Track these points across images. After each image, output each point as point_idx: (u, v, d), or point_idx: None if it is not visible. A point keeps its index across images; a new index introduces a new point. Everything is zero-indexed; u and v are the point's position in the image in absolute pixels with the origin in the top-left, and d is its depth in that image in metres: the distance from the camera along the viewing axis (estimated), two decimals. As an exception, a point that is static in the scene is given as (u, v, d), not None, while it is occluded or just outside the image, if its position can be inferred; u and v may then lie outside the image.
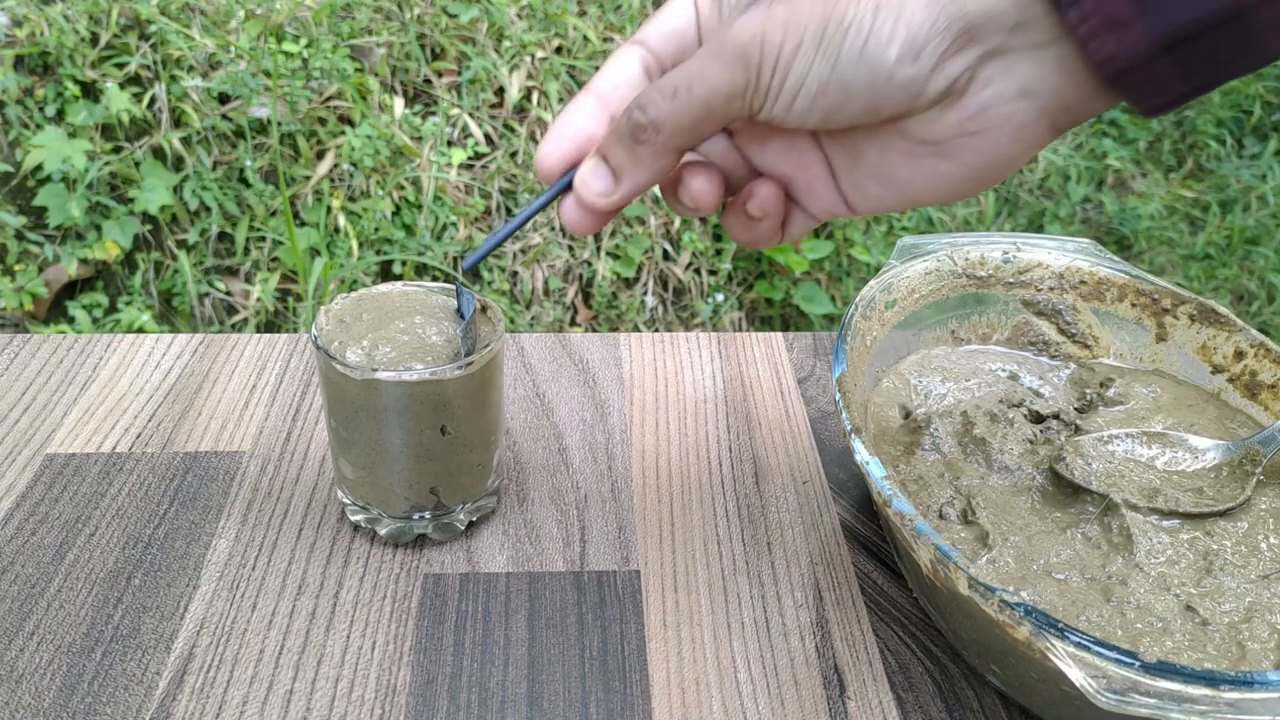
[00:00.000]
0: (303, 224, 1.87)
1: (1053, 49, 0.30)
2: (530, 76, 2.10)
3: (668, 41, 0.36)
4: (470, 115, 2.03)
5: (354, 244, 1.85)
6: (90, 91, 1.83)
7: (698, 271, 2.06)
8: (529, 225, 1.97)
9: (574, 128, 0.36)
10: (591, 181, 0.35)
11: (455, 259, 1.91)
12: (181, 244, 1.83)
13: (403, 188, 1.92)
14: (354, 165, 1.89)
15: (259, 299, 1.79)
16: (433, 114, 2.02)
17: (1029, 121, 0.32)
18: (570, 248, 2.00)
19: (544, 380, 0.60)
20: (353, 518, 0.48)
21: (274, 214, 1.86)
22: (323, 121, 1.94)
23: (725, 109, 0.32)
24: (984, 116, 0.32)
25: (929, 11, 0.30)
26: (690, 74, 0.32)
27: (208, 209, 1.83)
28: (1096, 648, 0.33)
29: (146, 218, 1.82)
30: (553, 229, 2.00)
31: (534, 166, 0.37)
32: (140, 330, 1.71)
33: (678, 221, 2.06)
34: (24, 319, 1.73)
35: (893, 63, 0.30)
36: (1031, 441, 0.49)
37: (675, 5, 0.36)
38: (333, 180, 1.90)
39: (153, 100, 1.85)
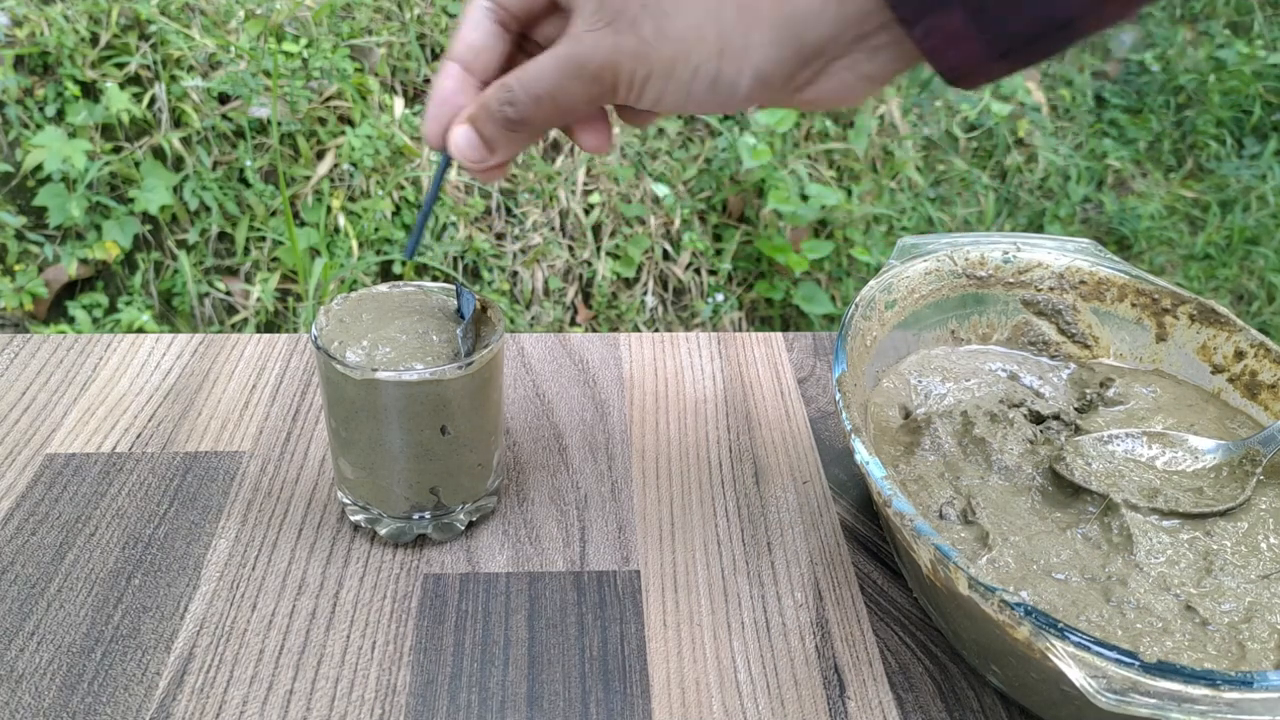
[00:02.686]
0: (303, 224, 1.87)
1: (893, 49, 0.33)
2: (530, 76, 2.09)
3: None
4: (470, 115, 2.03)
5: (354, 244, 1.85)
6: (90, 91, 1.83)
7: (698, 271, 2.06)
8: (528, 224, 1.98)
9: (447, 103, 0.40)
10: (469, 152, 0.39)
11: (455, 259, 1.91)
12: (181, 244, 1.83)
13: (403, 188, 1.92)
14: (354, 165, 1.89)
15: (259, 299, 1.79)
16: (433, 114, 2.02)
17: (865, 91, 0.35)
18: (570, 248, 2.00)
19: (544, 380, 0.60)
20: (353, 518, 0.48)
21: (274, 214, 1.86)
22: (323, 121, 1.94)
23: (587, 109, 0.37)
24: (824, 97, 0.35)
25: (773, 50, 0.33)
26: (552, 87, 0.36)
27: (208, 209, 1.83)
28: (1096, 648, 0.33)
29: (146, 218, 1.82)
30: (553, 229, 2.00)
31: (422, 137, 0.41)
32: (140, 330, 1.71)
33: (678, 221, 2.06)
34: (24, 319, 1.73)
35: (744, 92, 0.34)
36: (1031, 441, 0.49)
37: None
38: (333, 180, 1.90)
39: (153, 100, 1.85)
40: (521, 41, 0.40)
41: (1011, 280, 0.56)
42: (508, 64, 0.40)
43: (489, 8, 0.39)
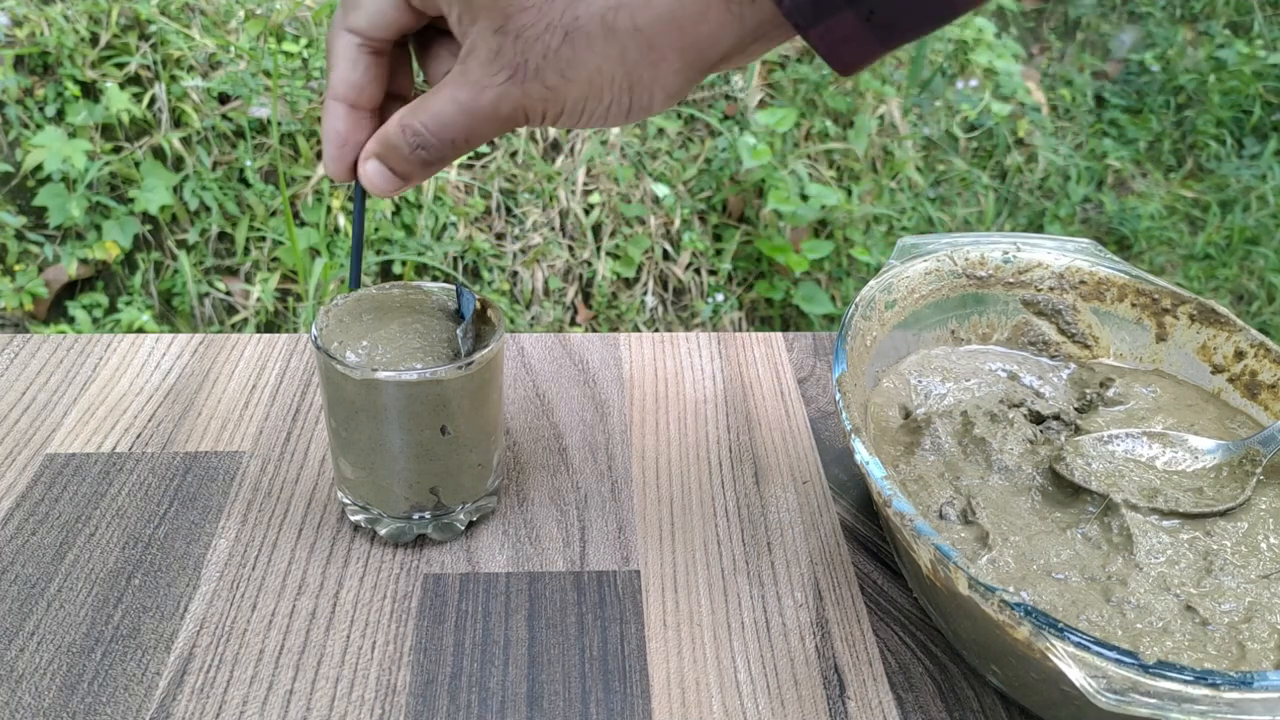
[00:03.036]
0: (303, 224, 1.87)
1: (786, 36, 0.34)
2: (530, 76, 2.09)
3: (379, 25, 0.38)
4: (470, 115, 2.03)
5: (354, 244, 1.84)
6: (90, 91, 1.83)
7: (698, 271, 2.06)
8: (528, 224, 1.98)
9: (347, 143, 0.40)
10: (384, 185, 0.40)
11: (455, 259, 1.91)
12: (181, 244, 1.83)
13: (403, 188, 1.92)
14: (354, 165, 1.89)
15: (259, 299, 1.79)
16: (433, 114, 2.02)
17: (756, 59, 0.37)
18: (570, 248, 2.00)
19: (544, 380, 0.60)
20: (353, 518, 0.48)
21: (274, 214, 1.86)
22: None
23: (497, 137, 0.38)
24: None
25: (681, 75, 0.34)
26: (465, 131, 0.37)
27: (208, 209, 1.83)
28: (1096, 648, 0.33)
29: (146, 218, 1.82)
30: (552, 229, 2.00)
31: (325, 174, 0.41)
32: (140, 330, 1.71)
33: (678, 221, 2.06)
34: (24, 319, 1.73)
35: (658, 109, 0.36)
36: (1031, 441, 0.49)
37: None
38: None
39: (153, 100, 1.85)
40: (397, 52, 0.41)
41: (1011, 280, 0.56)
42: (390, 84, 0.41)
43: (360, 43, 0.39)
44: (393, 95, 0.42)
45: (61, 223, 1.72)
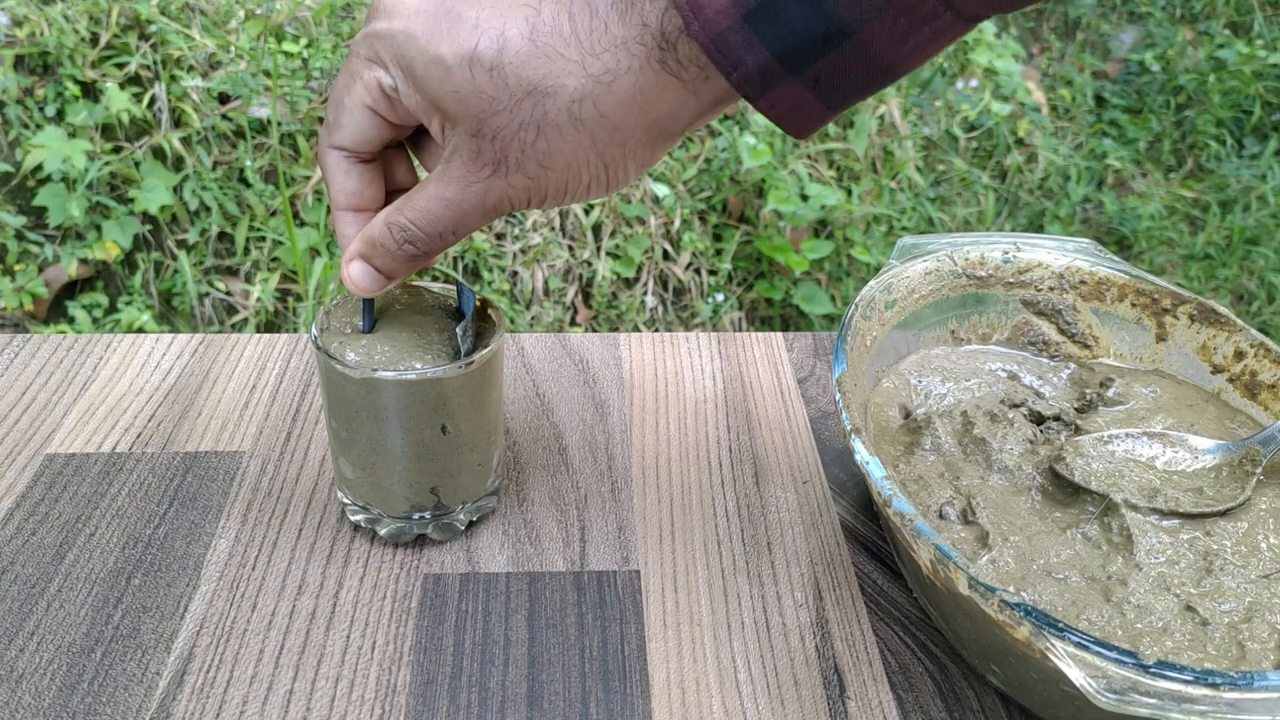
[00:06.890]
0: (303, 224, 1.87)
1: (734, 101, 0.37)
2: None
3: (361, 142, 0.40)
4: (470, 115, 2.03)
5: (354, 244, 1.84)
6: (90, 91, 1.83)
7: (698, 271, 2.06)
8: (528, 224, 1.98)
9: None
10: (370, 285, 0.42)
11: (455, 259, 1.91)
12: (181, 244, 1.83)
13: (403, 188, 1.92)
14: (354, 165, 1.89)
15: (259, 299, 1.79)
16: (433, 114, 2.02)
17: None
18: (570, 248, 2.00)
19: (544, 380, 0.60)
20: (353, 518, 0.48)
21: (274, 214, 1.86)
22: (322, 121, 1.94)
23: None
24: None
25: (649, 150, 0.37)
26: (454, 224, 0.39)
27: (208, 209, 1.83)
28: (1096, 648, 0.33)
29: (146, 218, 1.82)
30: (552, 229, 2.00)
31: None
32: (140, 330, 1.71)
33: (678, 221, 2.06)
34: (24, 319, 1.73)
35: (631, 180, 0.39)
36: (1031, 441, 0.49)
37: (352, 113, 0.39)
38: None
39: (153, 100, 1.85)
40: (391, 151, 0.43)
41: (1011, 280, 0.56)
42: (390, 181, 0.43)
43: (347, 156, 0.40)
44: (395, 190, 0.43)
45: (61, 223, 1.72)
